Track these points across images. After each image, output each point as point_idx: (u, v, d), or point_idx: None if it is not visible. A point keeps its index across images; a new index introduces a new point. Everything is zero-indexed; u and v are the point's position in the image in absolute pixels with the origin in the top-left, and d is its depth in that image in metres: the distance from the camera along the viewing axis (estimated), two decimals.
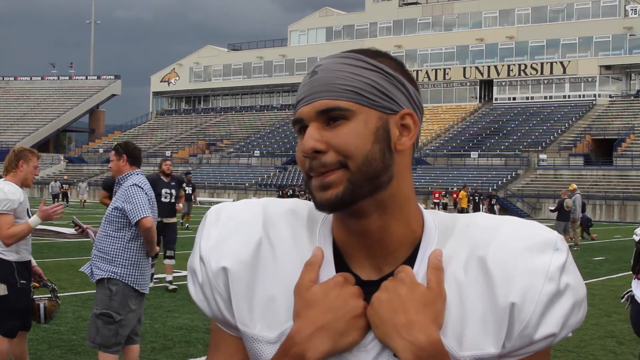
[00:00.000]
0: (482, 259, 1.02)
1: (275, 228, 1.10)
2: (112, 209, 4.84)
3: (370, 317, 1.02)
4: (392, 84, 1.05)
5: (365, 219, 1.04)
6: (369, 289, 1.04)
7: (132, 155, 4.98)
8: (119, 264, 4.77)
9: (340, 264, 1.08)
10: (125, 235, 4.78)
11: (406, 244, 1.07)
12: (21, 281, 4.94)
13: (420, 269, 1.05)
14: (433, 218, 1.10)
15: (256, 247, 1.08)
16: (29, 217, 4.98)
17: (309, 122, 1.04)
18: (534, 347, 1.02)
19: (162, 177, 10.33)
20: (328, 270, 1.06)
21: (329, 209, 1.03)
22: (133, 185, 4.81)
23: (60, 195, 39.88)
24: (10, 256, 4.90)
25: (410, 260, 1.06)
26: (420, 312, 1.00)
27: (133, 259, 4.80)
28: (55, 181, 41.31)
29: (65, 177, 45.87)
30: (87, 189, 44.31)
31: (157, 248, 5.01)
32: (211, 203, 46.86)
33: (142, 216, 4.73)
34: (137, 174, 4.95)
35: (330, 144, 1.01)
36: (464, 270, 1.03)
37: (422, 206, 1.14)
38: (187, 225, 23.68)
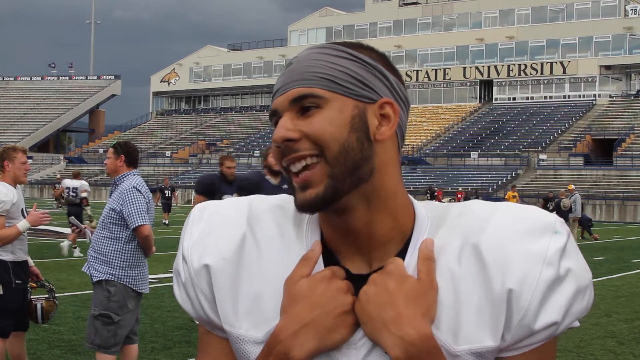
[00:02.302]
0: (475, 246, 0.96)
1: (260, 224, 1.05)
2: (109, 210, 4.80)
3: (358, 313, 0.96)
4: (370, 73, 1.01)
5: (348, 215, 1.00)
6: (359, 283, 0.99)
7: (130, 156, 4.93)
8: (117, 266, 4.75)
9: (330, 258, 1.03)
10: (122, 237, 4.76)
11: (396, 238, 1.02)
12: (16, 281, 4.94)
13: (411, 260, 1.00)
14: (426, 209, 1.05)
15: (240, 243, 1.04)
16: (24, 217, 4.99)
17: (283, 112, 1.00)
18: (536, 338, 0.96)
19: (268, 177, 6.49)
20: (317, 265, 1.01)
21: (309, 210, 0.98)
22: (132, 188, 4.76)
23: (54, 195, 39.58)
24: (6, 256, 4.90)
25: (402, 254, 1.01)
26: (409, 305, 0.94)
27: (131, 260, 4.79)
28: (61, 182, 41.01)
29: (58, 177, 45.23)
30: (88, 189, 43.69)
31: (154, 249, 4.99)
32: None
33: (140, 223, 4.70)
34: (134, 175, 4.90)
35: (303, 132, 0.97)
36: (457, 259, 0.97)
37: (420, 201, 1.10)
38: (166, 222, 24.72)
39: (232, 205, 1.09)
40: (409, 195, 1.06)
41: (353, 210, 0.99)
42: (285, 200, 1.09)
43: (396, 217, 1.02)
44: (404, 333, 0.93)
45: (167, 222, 24.73)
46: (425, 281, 0.96)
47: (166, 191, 25.45)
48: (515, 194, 28.02)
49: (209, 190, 7.29)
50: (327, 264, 1.02)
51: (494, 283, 0.94)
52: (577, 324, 1.00)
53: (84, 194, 15.46)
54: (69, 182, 15.79)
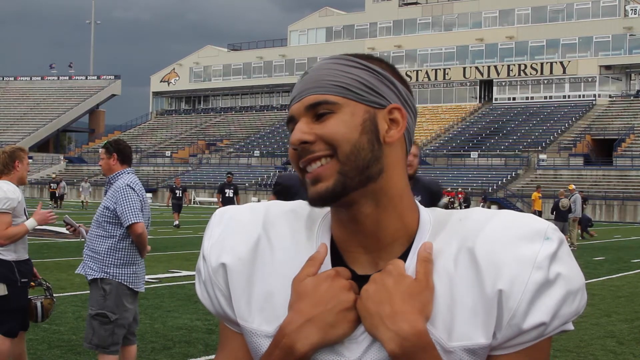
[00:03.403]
0: (470, 250, 1.03)
1: (274, 227, 1.13)
2: (103, 208, 4.80)
3: (359, 309, 1.03)
4: (380, 81, 1.08)
5: (357, 211, 1.06)
6: (364, 283, 1.05)
7: (122, 153, 4.91)
8: (111, 264, 4.74)
9: (338, 261, 1.10)
10: (116, 235, 4.75)
11: (401, 239, 1.08)
12: (22, 280, 4.97)
13: (412, 262, 1.06)
14: (429, 213, 1.12)
15: (255, 244, 1.12)
16: (26, 216, 5.02)
17: (299, 118, 1.07)
18: (525, 338, 1.01)
19: None
20: (324, 265, 1.08)
21: (320, 203, 1.05)
22: (126, 186, 4.75)
23: (49, 195, 39.15)
24: (9, 255, 4.92)
25: (405, 256, 1.08)
26: (405, 302, 1.01)
27: (125, 258, 4.78)
28: (60, 181, 40.56)
29: (54, 176, 44.65)
30: (90, 189, 42.29)
31: (149, 247, 4.98)
32: (211, 203, 46.89)
33: (134, 221, 4.69)
34: (129, 173, 4.88)
35: (318, 134, 1.04)
36: (454, 262, 1.04)
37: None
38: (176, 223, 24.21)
39: (249, 210, 1.17)
40: (414, 199, 1.12)
41: (362, 207, 1.06)
42: (300, 206, 1.16)
43: (402, 217, 1.08)
44: (399, 328, 0.99)
45: (177, 223, 24.03)
46: (422, 281, 1.03)
47: (177, 191, 24.63)
48: (540, 194, 27.13)
49: (287, 193, 5.66)
50: (334, 265, 1.09)
51: (486, 284, 1.00)
52: (571, 327, 1.05)
53: None
54: None
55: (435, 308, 1.03)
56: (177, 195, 24.50)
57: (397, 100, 1.09)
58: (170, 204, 24.96)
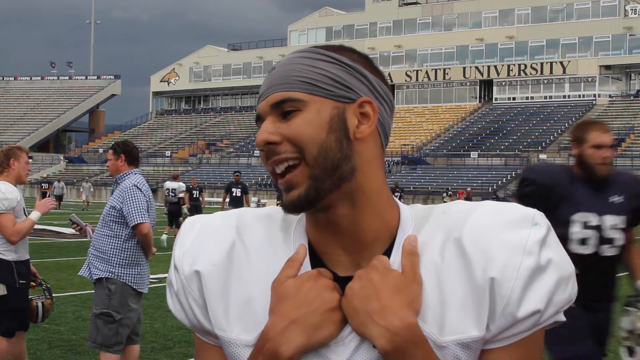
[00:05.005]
0: (457, 240, 0.99)
1: (249, 231, 1.09)
2: (109, 208, 4.83)
3: (344, 309, 0.99)
4: (349, 74, 1.03)
5: (334, 213, 1.02)
6: (346, 284, 1.01)
7: (130, 154, 4.95)
8: (117, 264, 4.77)
9: (317, 263, 1.05)
10: (122, 235, 4.78)
11: (382, 238, 1.04)
12: (20, 281, 4.96)
13: (396, 258, 1.02)
14: (410, 209, 1.08)
15: (229, 249, 1.07)
16: (26, 216, 5.02)
17: (266, 116, 1.03)
18: (520, 327, 0.97)
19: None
20: (304, 267, 1.03)
21: (294, 210, 1.02)
22: (133, 186, 4.79)
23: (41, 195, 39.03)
24: (9, 256, 4.92)
25: (388, 253, 1.03)
26: (394, 296, 0.96)
27: (131, 258, 4.81)
28: (59, 181, 40.27)
29: (45, 176, 44.19)
30: (91, 189, 41.50)
31: (154, 249, 5.00)
32: (211, 203, 46.92)
33: (140, 221, 4.72)
34: (136, 174, 4.92)
35: (284, 135, 1.00)
36: (440, 254, 1.00)
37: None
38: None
39: (221, 217, 1.12)
40: (393, 195, 1.08)
41: (338, 209, 1.02)
42: (273, 210, 1.12)
43: (382, 215, 1.04)
44: (389, 323, 0.95)
45: None
46: (408, 274, 0.98)
47: (194, 192, 23.91)
48: None
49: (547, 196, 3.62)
50: (314, 266, 1.04)
51: (476, 273, 0.96)
52: (562, 317, 1.00)
53: (181, 194, 17.73)
54: (169, 184, 17.82)
55: (424, 303, 0.98)
56: (194, 196, 23.70)
57: (368, 93, 1.04)
58: (189, 206, 24.17)
